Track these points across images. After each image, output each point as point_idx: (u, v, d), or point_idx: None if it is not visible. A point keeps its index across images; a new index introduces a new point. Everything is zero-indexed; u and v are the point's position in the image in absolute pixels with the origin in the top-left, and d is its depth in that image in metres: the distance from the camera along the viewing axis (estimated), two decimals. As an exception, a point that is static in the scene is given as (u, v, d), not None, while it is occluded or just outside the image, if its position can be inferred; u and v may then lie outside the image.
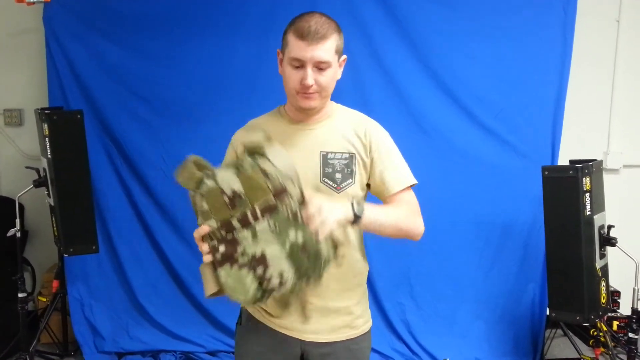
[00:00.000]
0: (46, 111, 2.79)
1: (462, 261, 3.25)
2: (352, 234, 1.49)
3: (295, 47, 1.40)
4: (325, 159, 1.48)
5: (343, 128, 1.52)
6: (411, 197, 1.54)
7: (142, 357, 3.16)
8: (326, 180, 1.47)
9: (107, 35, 3.12)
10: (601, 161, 2.85)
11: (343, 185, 1.48)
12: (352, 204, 1.31)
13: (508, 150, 3.20)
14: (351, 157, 1.49)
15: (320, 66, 1.41)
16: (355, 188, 1.49)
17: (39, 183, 2.88)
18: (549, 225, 2.76)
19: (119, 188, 3.23)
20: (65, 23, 3.09)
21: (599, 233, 2.70)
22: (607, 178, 2.89)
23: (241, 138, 1.49)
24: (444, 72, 3.16)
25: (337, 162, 1.48)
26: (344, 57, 1.50)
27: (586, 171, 2.63)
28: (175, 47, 3.13)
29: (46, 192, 2.92)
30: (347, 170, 1.48)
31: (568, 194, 2.65)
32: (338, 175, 1.48)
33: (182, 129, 3.17)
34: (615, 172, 3.55)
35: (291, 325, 1.52)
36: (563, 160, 3.13)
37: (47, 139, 2.76)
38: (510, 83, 3.17)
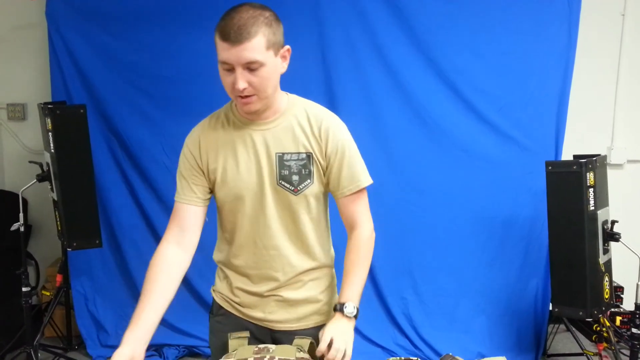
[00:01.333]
0: (49, 106, 2.79)
1: (464, 256, 3.25)
2: (308, 224, 1.48)
3: (221, 49, 1.30)
4: (281, 161, 1.42)
5: (298, 125, 1.43)
6: (362, 202, 1.50)
7: (146, 351, 3.17)
8: (283, 183, 1.43)
9: (110, 29, 3.11)
10: (605, 156, 2.84)
11: (301, 187, 1.44)
12: (344, 309, 1.39)
13: (511, 145, 3.19)
14: (308, 156, 1.43)
15: (251, 67, 1.29)
16: (314, 188, 1.46)
17: (42, 177, 2.89)
18: (552, 221, 2.76)
19: (121, 182, 3.23)
20: (67, 17, 3.09)
21: (603, 228, 2.70)
22: (610, 173, 2.88)
23: (197, 139, 1.50)
24: (448, 66, 3.14)
25: (293, 164, 1.42)
26: (286, 47, 1.38)
27: (590, 166, 2.62)
28: (178, 41, 3.13)
29: (49, 187, 2.93)
30: (305, 171, 1.43)
31: (572, 189, 2.64)
32: (295, 177, 1.43)
33: (184, 123, 3.12)
34: (619, 167, 3.54)
35: (260, 315, 1.53)
36: (567, 155, 3.12)
37: (50, 134, 2.76)
38: (514, 77, 3.16)
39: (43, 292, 3.35)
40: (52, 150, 2.76)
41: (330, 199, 1.55)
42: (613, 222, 2.74)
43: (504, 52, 3.14)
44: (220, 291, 1.62)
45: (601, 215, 2.69)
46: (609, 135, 3.54)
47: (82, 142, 2.81)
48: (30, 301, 2.81)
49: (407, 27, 3.12)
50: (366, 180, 1.48)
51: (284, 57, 1.38)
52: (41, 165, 2.92)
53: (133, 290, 3.27)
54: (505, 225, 3.24)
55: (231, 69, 1.31)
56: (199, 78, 3.15)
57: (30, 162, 3.00)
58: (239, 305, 1.56)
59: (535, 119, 3.18)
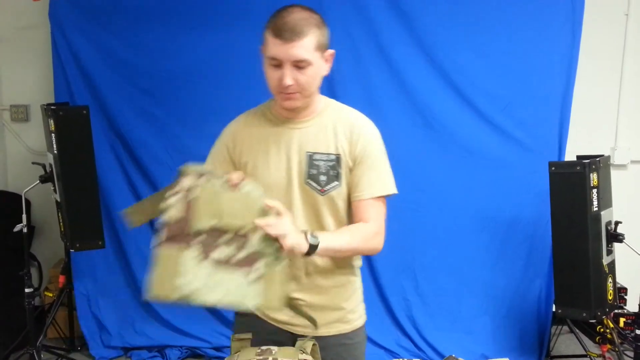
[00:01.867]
0: (52, 107, 2.79)
1: (467, 256, 3.24)
2: (333, 227, 1.47)
3: (272, 45, 1.35)
4: (310, 160, 1.44)
5: (332, 127, 1.46)
6: (377, 210, 1.47)
7: (148, 352, 3.17)
8: (310, 182, 1.44)
9: (113, 30, 3.12)
10: (608, 157, 2.83)
11: (327, 187, 1.44)
12: (306, 234, 1.30)
13: (514, 145, 3.19)
14: (337, 158, 1.44)
15: (299, 65, 1.35)
16: (341, 190, 1.46)
17: (45, 178, 2.89)
18: (555, 221, 2.75)
19: (124, 183, 3.23)
20: (71, 18, 3.09)
21: (606, 229, 2.69)
22: (614, 174, 2.87)
23: (233, 131, 1.51)
24: (451, 66, 3.14)
25: (322, 164, 1.44)
26: (331, 51, 1.44)
27: (593, 167, 2.61)
28: (182, 42, 3.13)
29: (52, 188, 2.93)
30: (333, 173, 1.44)
31: (575, 189, 2.63)
32: (323, 178, 1.44)
33: (187, 124, 3.18)
34: (623, 168, 3.52)
35: (284, 318, 1.52)
36: (570, 155, 3.11)
37: (53, 135, 2.76)
38: (517, 78, 3.15)
39: (46, 293, 3.35)
40: (55, 151, 2.77)
41: None
42: (617, 223, 2.73)
43: (507, 52, 3.14)
44: None
45: (605, 216, 2.68)
46: (612, 135, 3.52)
47: (85, 143, 2.82)
48: (33, 302, 2.81)
49: (409, 27, 3.12)
50: (388, 188, 1.48)
51: (327, 60, 1.43)
52: (44, 167, 2.92)
53: (136, 292, 3.27)
54: (508, 226, 3.23)
55: (279, 65, 1.36)
56: (202, 79, 3.16)
57: (33, 163, 3.00)
58: None
59: (538, 119, 3.18)
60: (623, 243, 2.68)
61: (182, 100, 3.17)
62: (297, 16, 1.35)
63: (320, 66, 1.40)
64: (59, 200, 2.89)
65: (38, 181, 2.89)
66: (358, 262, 1.59)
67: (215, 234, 1.23)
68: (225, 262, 1.22)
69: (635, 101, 3.49)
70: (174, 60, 3.15)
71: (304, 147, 1.45)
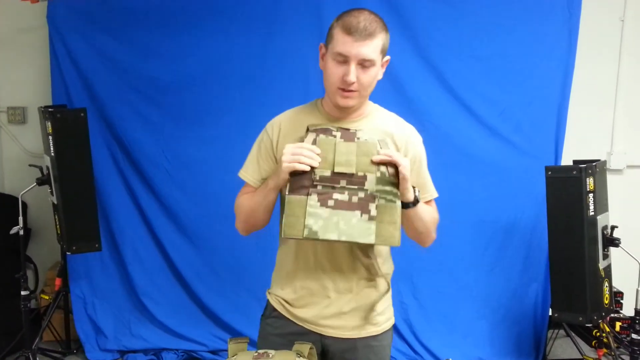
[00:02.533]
0: (50, 109, 2.79)
1: (464, 260, 3.24)
2: None
3: (341, 42, 1.37)
4: None
5: (379, 130, 1.48)
6: (434, 210, 1.57)
7: (145, 356, 3.16)
8: None
9: (111, 33, 3.12)
10: (605, 161, 2.84)
11: None
12: (415, 188, 1.42)
13: (511, 149, 3.19)
14: None
15: (364, 64, 1.38)
16: None
17: (42, 181, 2.89)
18: (552, 226, 2.75)
19: (122, 186, 3.23)
20: (69, 21, 3.09)
21: (602, 234, 2.69)
22: (610, 178, 2.88)
23: (278, 125, 1.51)
24: (448, 71, 3.15)
25: None
26: (387, 57, 1.47)
27: (590, 171, 2.62)
28: (180, 45, 3.13)
29: (49, 190, 2.93)
30: None
31: (571, 194, 2.64)
32: None
33: (185, 127, 3.18)
34: (619, 173, 3.54)
35: (312, 319, 1.53)
36: (566, 160, 3.12)
37: (50, 137, 2.76)
38: (514, 82, 3.16)
39: (42, 295, 3.34)
40: (52, 154, 2.76)
41: None
42: (613, 228, 2.74)
43: (503, 57, 3.15)
44: (275, 293, 1.60)
45: (601, 220, 2.69)
46: (608, 140, 3.54)
47: (83, 146, 2.81)
48: (29, 305, 2.80)
49: (406, 31, 3.12)
50: (435, 192, 1.59)
51: (383, 65, 1.46)
52: (41, 169, 2.92)
53: (132, 295, 3.26)
54: (505, 230, 3.23)
55: (344, 62, 1.38)
56: (200, 82, 3.16)
57: (30, 165, 3.00)
58: (292, 306, 1.55)
59: (535, 124, 3.19)
60: (619, 247, 2.69)
61: (179, 103, 3.17)
62: (369, 17, 1.39)
63: (380, 69, 1.44)
64: (55, 202, 2.89)
65: (35, 183, 2.89)
66: (390, 263, 1.64)
67: (335, 179, 1.36)
68: (340, 206, 1.35)
69: (631, 106, 3.50)
70: (171, 64, 3.14)
71: None
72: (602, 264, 2.68)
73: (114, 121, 3.18)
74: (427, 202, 1.55)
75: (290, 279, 1.55)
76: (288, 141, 1.45)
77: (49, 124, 2.75)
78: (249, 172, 1.53)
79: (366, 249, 1.52)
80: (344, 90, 1.40)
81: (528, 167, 3.16)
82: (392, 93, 3.15)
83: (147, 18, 3.12)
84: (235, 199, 1.55)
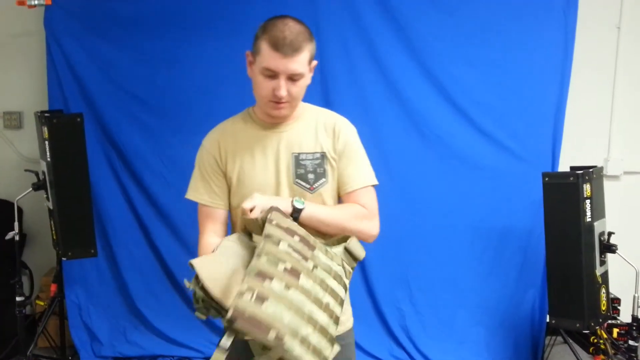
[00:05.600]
0: (46, 114, 2.78)
1: (461, 266, 3.24)
2: None
3: (269, 57, 1.39)
4: (297, 160, 1.50)
5: (313, 128, 1.53)
6: (369, 198, 1.53)
7: (140, 362, 3.15)
8: (299, 181, 1.50)
9: (108, 38, 3.12)
10: (602, 168, 2.85)
11: (316, 185, 1.50)
12: (293, 199, 1.41)
13: (508, 156, 3.20)
14: (322, 156, 1.51)
15: (294, 77, 1.41)
16: (329, 187, 1.52)
17: (38, 186, 2.88)
18: (549, 232, 2.76)
19: (118, 192, 3.22)
20: (66, 26, 3.09)
21: (599, 240, 2.70)
22: (607, 185, 2.88)
23: (217, 141, 1.54)
24: (444, 77, 3.16)
25: (309, 163, 1.50)
26: (314, 62, 1.49)
27: (587, 178, 2.62)
28: (176, 51, 3.13)
29: (45, 196, 2.92)
30: (320, 170, 1.51)
31: (568, 200, 2.64)
32: (311, 176, 1.50)
33: (182, 133, 3.17)
34: (616, 179, 3.54)
35: None
36: (563, 166, 3.13)
37: (46, 142, 2.75)
38: (510, 88, 3.17)
39: (37, 301, 3.32)
40: (49, 159, 2.75)
41: None
42: (610, 234, 2.74)
43: (500, 63, 3.16)
44: None
45: (598, 226, 2.69)
46: (605, 146, 3.55)
47: (79, 151, 2.81)
48: (24, 311, 2.79)
49: (403, 38, 3.13)
50: (372, 179, 1.55)
51: (311, 70, 1.49)
52: (37, 174, 2.91)
53: (127, 301, 3.25)
54: (502, 236, 3.23)
55: (273, 76, 1.40)
56: (197, 88, 3.16)
57: (26, 170, 2.98)
58: None
59: (532, 130, 3.19)
60: (616, 254, 2.69)
61: (176, 109, 3.17)
62: (295, 30, 1.39)
63: (308, 77, 1.47)
64: (51, 208, 2.87)
65: (31, 189, 2.87)
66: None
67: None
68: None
69: (627, 113, 3.51)
70: (168, 69, 3.14)
71: (289, 148, 1.51)
72: (599, 270, 2.68)
73: (110, 126, 3.17)
74: (361, 189, 1.52)
75: None
76: (230, 154, 1.51)
77: (45, 129, 2.75)
78: (202, 192, 1.53)
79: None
80: (275, 102, 1.43)
81: (525, 173, 3.16)
82: (389, 99, 3.17)
83: (144, 23, 3.12)
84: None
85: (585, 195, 2.61)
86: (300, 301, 1.19)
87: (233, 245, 1.33)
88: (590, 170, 2.66)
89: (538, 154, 3.19)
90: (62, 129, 2.76)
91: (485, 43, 3.15)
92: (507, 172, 3.19)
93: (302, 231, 1.31)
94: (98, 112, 3.16)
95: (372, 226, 1.52)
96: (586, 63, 3.34)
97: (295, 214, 1.39)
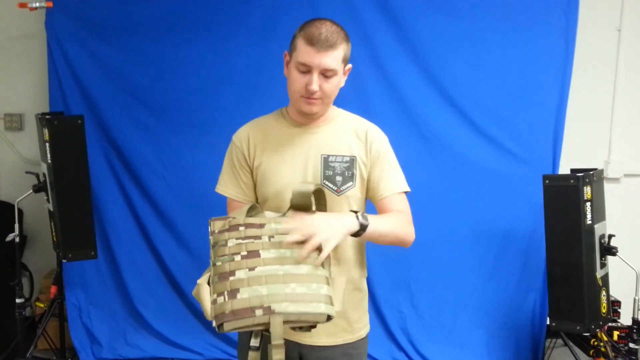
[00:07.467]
0: (47, 116, 2.78)
1: (462, 269, 3.24)
2: (348, 239, 1.48)
3: (304, 52, 1.42)
4: (326, 162, 1.51)
5: (344, 132, 1.54)
6: (404, 204, 1.56)
7: (140, 365, 3.15)
8: (326, 182, 1.49)
9: (109, 40, 3.12)
10: (602, 170, 2.84)
11: (343, 188, 1.50)
12: (357, 215, 1.36)
13: (509, 158, 3.20)
14: (352, 160, 1.52)
15: (326, 74, 1.43)
16: (356, 191, 1.52)
17: (38, 188, 2.88)
18: (549, 234, 2.75)
19: (118, 194, 3.22)
20: (67, 28, 3.09)
21: (600, 242, 2.69)
22: (608, 187, 2.88)
23: (246, 135, 1.54)
24: (446, 79, 3.16)
25: (337, 165, 1.51)
26: (349, 66, 1.52)
27: (587, 180, 2.62)
28: (177, 52, 3.13)
29: (45, 197, 2.92)
30: (348, 173, 1.51)
31: (569, 203, 2.64)
32: (338, 178, 1.50)
33: (183, 135, 3.18)
34: (616, 181, 3.54)
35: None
36: (564, 168, 3.13)
37: (47, 144, 2.75)
38: (511, 91, 3.17)
39: (37, 303, 3.32)
40: (49, 161, 2.76)
41: None
42: (610, 236, 2.74)
43: (501, 66, 3.16)
44: None
45: (598, 229, 2.69)
46: (605, 149, 3.54)
47: (79, 153, 2.81)
48: (24, 313, 2.79)
49: (405, 40, 3.14)
50: (406, 186, 1.57)
51: (345, 73, 1.52)
52: (37, 176, 2.91)
53: (127, 303, 3.25)
54: (502, 239, 3.23)
55: (307, 72, 1.43)
56: (198, 90, 3.16)
57: (26, 172, 2.99)
58: None
59: (532, 133, 3.19)
60: (616, 256, 2.69)
61: (177, 111, 3.17)
62: (331, 28, 1.43)
63: (342, 77, 1.50)
64: (52, 210, 2.87)
65: (31, 190, 2.88)
66: (364, 268, 1.60)
67: None
68: None
69: (628, 115, 3.51)
70: (169, 71, 3.15)
71: (319, 150, 1.52)
72: (599, 273, 2.68)
73: (111, 128, 3.18)
74: (395, 195, 1.53)
75: None
76: (259, 150, 1.51)
77: (46, 131, 2.75)
78: (229, 186, 1.56)
79: (340, 247, 1.49)
80: (307, 97, 1.45)
81: (525, 175, 3.16)
82: (391, 102, 3.17)
83: (145, 26, 3.12)
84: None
85: (585, 198, 2.61)
86: (271, 270, 1.23)
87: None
88: (591, 172, 2.66)
89: (539, 156, 3.19)
90: (63, 131, 2.76)
91: (486, 45, 3.15)
92: (508, 175, 3.19)
93: (243, 219, 1.31)
94: (99, 114, 3.16)
95: (412, 231, 1.53)
96: (587, 65, 3.34)
97: (361, 231, 1.36)
